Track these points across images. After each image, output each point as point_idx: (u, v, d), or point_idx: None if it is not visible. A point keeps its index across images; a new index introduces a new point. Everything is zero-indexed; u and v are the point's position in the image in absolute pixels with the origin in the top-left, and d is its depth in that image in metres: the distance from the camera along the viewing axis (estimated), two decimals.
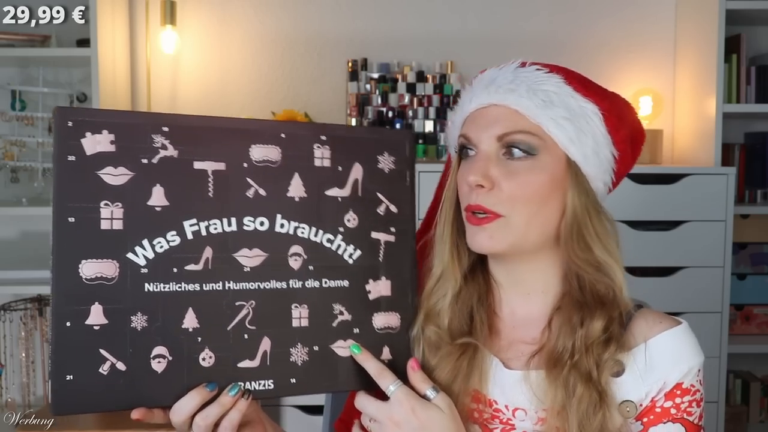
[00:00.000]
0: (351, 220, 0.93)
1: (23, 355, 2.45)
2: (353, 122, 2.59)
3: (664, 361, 0.91)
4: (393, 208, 0.95)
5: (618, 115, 0.94)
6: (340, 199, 0.92)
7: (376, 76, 2.60)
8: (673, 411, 0.91)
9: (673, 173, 2.26)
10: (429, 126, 2.60)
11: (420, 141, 2.59)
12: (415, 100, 2.60)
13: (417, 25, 2.65)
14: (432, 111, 2.60)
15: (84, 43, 2.41)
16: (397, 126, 2.58)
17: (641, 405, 0.91)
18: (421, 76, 2.61)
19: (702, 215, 2.24)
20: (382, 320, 0.94)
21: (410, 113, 2.60)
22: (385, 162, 0.95)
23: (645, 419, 0.91)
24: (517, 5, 2.64)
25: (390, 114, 2.60)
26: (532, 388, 0.91)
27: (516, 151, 0.90)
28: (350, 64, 2.61)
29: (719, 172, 2.24)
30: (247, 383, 0.87)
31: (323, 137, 0.92)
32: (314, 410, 2.21)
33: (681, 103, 2.62)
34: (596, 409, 0.88)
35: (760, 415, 2.63)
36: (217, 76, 2.64)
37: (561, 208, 0.92)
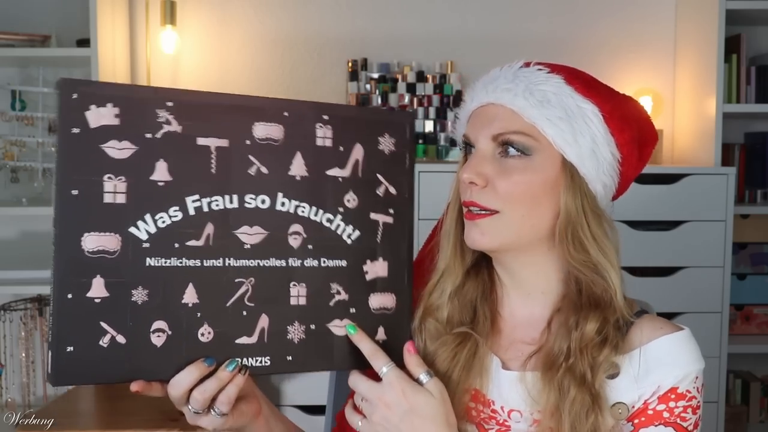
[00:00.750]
0: (351, 200, 0.93)
1: (23, 355, 2.45)
2: None
3: (660, 365, 0.91)
4: (392, 190, 0.95)
5: (622, 116, 0.93)
6: (340, 179, 0.92)
7: (376, 76, 2.60)
8: (665, 414, 0.90)
9: (673, 173, 2.25)
10: (429, 126, 2.60)
11: (420, 141, 2.59)
12: (415, 100, 2.60)
13: (417, 25, 2.65)
14: (432, 111, 2.60)
15: (84, 43, 2.41)
16: None
17: (633, 407, 0.91)
18: (421, 76, 2.61)
19: (702, 215, 2.24)
20: (378, 301, 0.95)
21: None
22: (386, 143, 0.95)
23: (636, 420, 0.91)
24: (518, 5, 2.64)
25: None
26: (528, 389, 0.91)
27: (510, 149, 0.91)
28: (350, 64, 2.61)
29: (719, 172, 2.24)
30: (245, 359, 0.88)
31: (325, 117, 0.92)
32: (314, 410, 2.21)
33: (681, 103, 2.62)
34: (589, 412, 0.88)
35: (760, 415, 2.63)
36: (217, 76, 2.64)
37: (555, 208, 0.92)
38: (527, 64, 0.95)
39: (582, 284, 0.93)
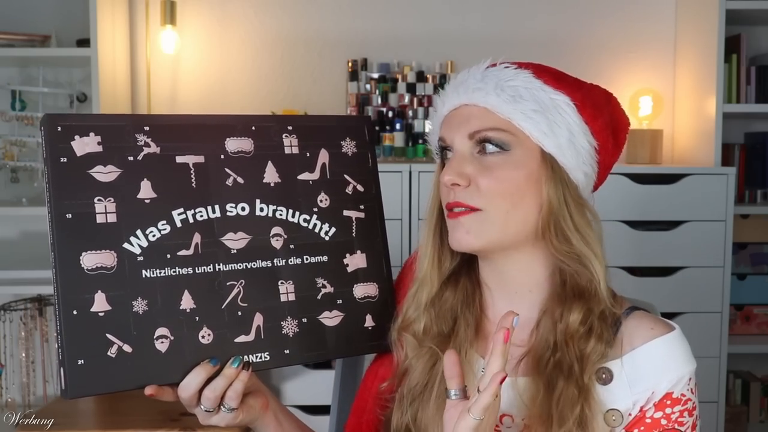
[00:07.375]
0: (323, 200, 1.00)
1: (23, 355, 2.45)
2: None
3: (653, 370, 0.90)
4: (360, 188, 1.03)
5: (593, 104, 0.94)
6: (311, 182, 1.00)
7: (376, 76, 2.60)
8: (663, 422, 0.89)
9: (673, 173, 2.25)
10: (429, 126, 2.59)
11: (420, 141, 2.59)
12: (415, 100, 2.60)
13: (417, 25, 2.64)
14: (432, 111, 2.60)
15: (84, 43, 2.41)
16: (397, 126, 2.58)
17: (629, 414, 0.90)
18: (421, 76, 2.61)
19: (702, 215, 2.24)
20: (362, 290, 1.02)
21: (410, 113, 2.60)
22: (348, 146, 1.04)
23: (635, 430, 0.90)
24: (517, 5, 2.64)
25: (390, 114, 2.59)
26: (520, 394, 0.91)
27: (489, 146, 0.91)
28: (350, 64, 2.61)
29: (719, 172, 2.24)
30: (245, 356, 0.93)
31: (290, 127, 1.00)
32: (315, 410, 2.21)
33: (681, 103, 2.62)
34: (575, 403, 0.86)
35: (760, 415, 2.63)
36: (217, 76, 2.64)
37: (539, 201, 0.91)
38: (494, 65, 0.97)
39: (566, 276, 0.93)
